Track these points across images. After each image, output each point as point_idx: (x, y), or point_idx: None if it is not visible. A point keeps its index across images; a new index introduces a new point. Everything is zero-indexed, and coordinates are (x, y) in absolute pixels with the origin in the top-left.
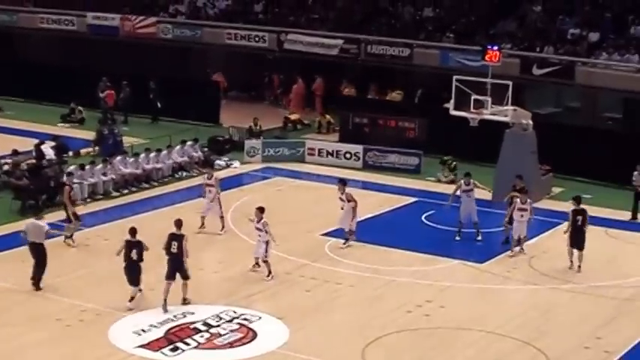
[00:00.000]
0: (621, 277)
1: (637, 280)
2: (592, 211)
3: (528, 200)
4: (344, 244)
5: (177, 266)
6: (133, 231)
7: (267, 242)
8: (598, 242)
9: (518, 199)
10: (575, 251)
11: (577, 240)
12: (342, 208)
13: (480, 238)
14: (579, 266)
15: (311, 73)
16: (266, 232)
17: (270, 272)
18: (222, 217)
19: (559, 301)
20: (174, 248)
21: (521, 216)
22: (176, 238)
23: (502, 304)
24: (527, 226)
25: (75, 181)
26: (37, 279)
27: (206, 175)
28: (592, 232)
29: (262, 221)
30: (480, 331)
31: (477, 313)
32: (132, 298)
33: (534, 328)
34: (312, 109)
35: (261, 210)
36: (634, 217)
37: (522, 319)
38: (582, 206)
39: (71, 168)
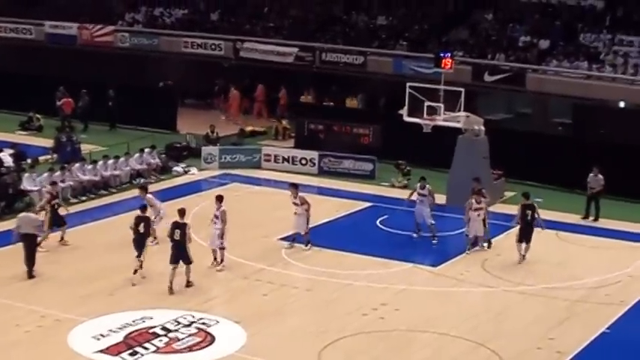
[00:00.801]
0: (572, 278)
1: (588, 281)
2: (543, 214)
3: (483, 200)
4: (306, 246)
5: (180, 252)
6: (143, 208)
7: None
8: (549, 245)
9: (473, 200)
10: (523, 244)
11: (526, 233)
12: (295, 213)
13: (435, 241)
14: (524, 256)
15: (271, 80)
16: (222, 220)
17: (222, 260)
18: None
19: (512, 303)
20: (177, 235)
21: (478, 215)
22: (179, 226)
23: (456, 306)
24: (483, 225)
25: (34, 188)
26: (29, 269)
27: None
28: (543, 235)
29: (221, 209)
30: (434, 332)
31: (432, 315)
32: (135, 271)
33: (488, 329)
34: (251, 115)
35: (219, 199)
36: (586, 216)
37: (476, 321)
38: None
39: (55, 174)
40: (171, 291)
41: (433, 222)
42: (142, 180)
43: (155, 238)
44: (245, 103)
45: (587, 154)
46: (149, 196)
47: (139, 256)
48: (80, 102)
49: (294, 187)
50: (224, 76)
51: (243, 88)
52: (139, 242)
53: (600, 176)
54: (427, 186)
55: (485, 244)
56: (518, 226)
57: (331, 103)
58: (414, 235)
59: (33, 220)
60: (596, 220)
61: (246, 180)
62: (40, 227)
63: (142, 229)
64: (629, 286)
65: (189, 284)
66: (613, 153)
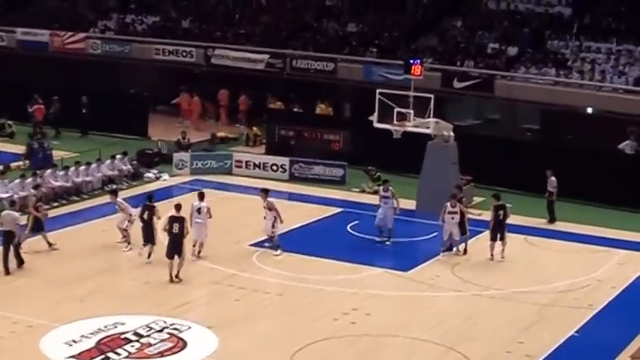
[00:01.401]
0: (541, 282)
1: (556, 285)
2: (512, 219)
3: (458, 204)
4: (276, 251)
5: (177, 245)
6: (150, 197)
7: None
8: (518, 249)
9: (448, 203)
10: (498, 243)
11: (500, 232)
12: (265, 217)
13: (389, 242)
14: (492, 255)
15: (244, 87)
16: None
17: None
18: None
19: (482, 307)
20: (175, 229)
21: (452, 218)
22: (177, 219)
23: (426, 310)
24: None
25: (5, 194)
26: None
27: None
28: (512, 240)
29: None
30: (405, 337)
31: (402, 319)
32: (149, 255)
33: (458, 333)
34: (213, 120)
35: (200, 195)
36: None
37: (446, 325)
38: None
39: (39, 180)
40: (172, 280)
41: (391, 227)
42: (114, 186)
43: (129, 243)
44: (212, 109)
45: (555, 159)
46: (119, 200)
47: (146, 243)
48: (51, 108)
49: (264, 192)
50: (188, 83)
51: (209, 95)
52: (146, 230)
53: (553, 178)
54: (390, 188)
55: (460, 249)
56: (491, 226)
57: (296, 109)
58: (387, 242)
59: (15, 217)
60: (553, 222)
61: (218, 186)
62: (22, 226)
63: (146, 216)
64: (597, 290)
65: (178, 277)
66: (581, 158)
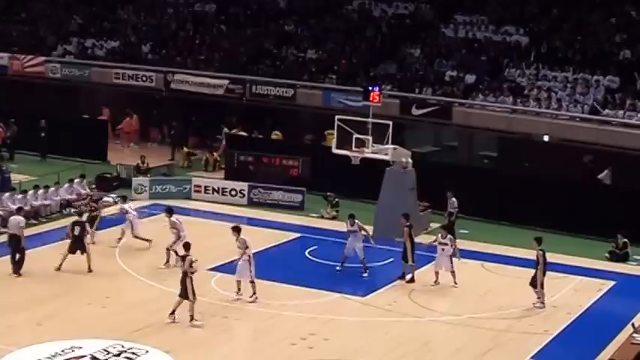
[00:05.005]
0: (497, 308)
1: (512, 312)
2: (469, 245)
3: (449, 236)
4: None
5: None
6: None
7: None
8: (475, 275)
9: (439, 234)
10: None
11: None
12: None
13: (366, 274)
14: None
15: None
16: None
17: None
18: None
19: (438, 333)
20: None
21: (442, 250)
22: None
23: (383, 335)
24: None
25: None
26: (17, 266)
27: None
28: (469, 266)
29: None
30: None
31: (360, 344)
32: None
33: (414, 358)
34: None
35: (237, 230)
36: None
37: (403, 351)
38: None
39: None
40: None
41: (364, 257)
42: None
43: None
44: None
45: (511, 186)
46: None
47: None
48: (8, 131)
49: (236, 230)
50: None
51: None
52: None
53: (454, 199)
54: (356, 221)
55: (407, 278)
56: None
57: (239, 132)
58: (338, 268)
59: (19, 221)
60: None
61: (177, 210)
62: (23, 229)
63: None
64: (552, 315)
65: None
66: (537, 185)
